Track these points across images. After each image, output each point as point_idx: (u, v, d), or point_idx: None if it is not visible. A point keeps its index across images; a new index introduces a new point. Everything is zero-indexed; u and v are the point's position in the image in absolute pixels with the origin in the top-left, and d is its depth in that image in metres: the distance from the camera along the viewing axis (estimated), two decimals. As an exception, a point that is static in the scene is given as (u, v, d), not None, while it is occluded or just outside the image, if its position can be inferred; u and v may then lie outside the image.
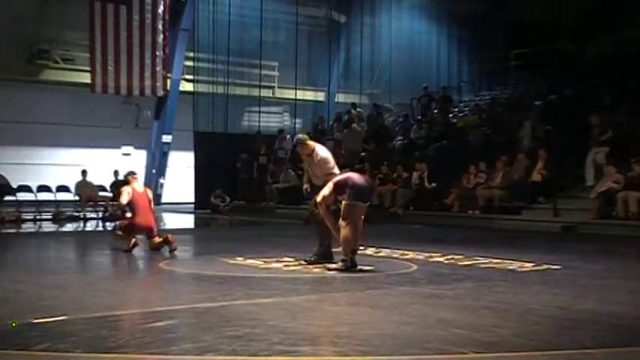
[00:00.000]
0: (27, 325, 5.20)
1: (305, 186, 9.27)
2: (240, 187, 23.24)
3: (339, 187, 8.24)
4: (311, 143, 9.12)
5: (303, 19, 27.71)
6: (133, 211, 10.55)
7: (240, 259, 9.31)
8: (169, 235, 10.50)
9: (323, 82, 29.20)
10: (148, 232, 10.52)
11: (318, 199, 8.33)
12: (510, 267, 8.90)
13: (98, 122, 25.16)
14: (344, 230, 8.14)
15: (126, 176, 10.94)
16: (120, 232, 10.55)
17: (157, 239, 10.43)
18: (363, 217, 8.40)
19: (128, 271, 9.33)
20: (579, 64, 22.14)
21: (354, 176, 8.51)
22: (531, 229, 15.07)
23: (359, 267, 8.30)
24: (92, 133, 25.14)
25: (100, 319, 5.54)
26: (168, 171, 26.51)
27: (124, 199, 10.51)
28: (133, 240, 10.29)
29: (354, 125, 23.04)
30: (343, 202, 8.16)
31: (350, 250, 8.23)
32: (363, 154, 22.28)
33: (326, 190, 8.32)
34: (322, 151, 9.04)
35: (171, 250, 10.20)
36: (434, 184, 18.16)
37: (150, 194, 10.85)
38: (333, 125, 24.91)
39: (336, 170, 8.91)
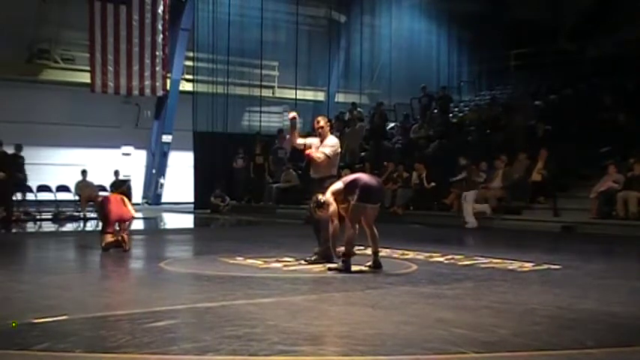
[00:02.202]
0: (27, 325, 5.19)
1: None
2: (238, 187, 23.21)
3: (350, 187, 8.18)
4: (327, 128, 9.05)
5: (303, 19, 27.72)
6: (104, 210, 10.41)
7: (240, 259, 9.31)
8: (125, 236, 10.32)
9: (323, 82, 29.20)
10: (119, 223, 10.39)
11: (327, 194, 8.27)
12: (510, 267, 8.90)
13: (98, 122, 25.16)
14: (348, 231, 8.13)
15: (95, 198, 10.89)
16: (108, 240, 10.25)
17: (112, 238, 10.25)
18: (374, 219, 8.38)
19: (128, 271, 9.32)
20: (579, 64, 22.15)
21: (364, 177, 8.45)
22: (531, 229, 15.08)
23: (359, 267, 8.30)
24: (92, 133, 25.14)
25: (100, 319, 5.54)
26: (168, 171, 26.51)
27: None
28: (122, 237, 10.23)
29: (357, 125, 23.11)
30: (351, 203, 8.14)
31: (351, 251, 8.22)
32: (362, 153, 22.30)
33: (336, 187, 8.28)
34: (333, 140, 9.01)
35: (124, 251, 10.08)
36: (433, 184, 18.14)
37: (121, 196, 10.70)
38: (333, 125, 24.91)
39: (328, 151, 8.84)
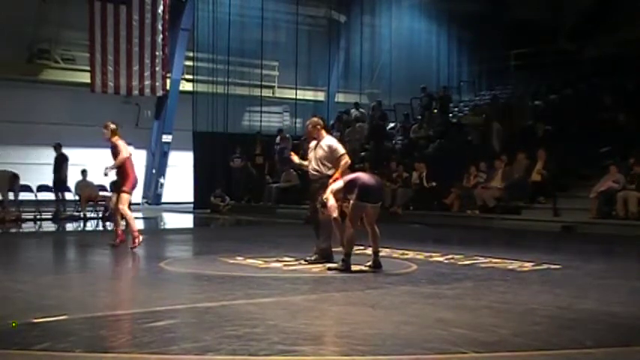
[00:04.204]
0: (27, 325, 5.20)
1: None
2: (237, 187, 23.19)
3: (349, 186, 8.19)
4: (319, 130, 8.98)
5: (303, 19, 27.72)
6: (125, 170, 10.60)
7: (240, 259, 9.32)
8: (124, 236, 10.61)
9: (323, 82, 29.19)
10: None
11: (327, 193, 8.27)
12: (510, 267, 8.91)
13: (98, 122, 24.97)
14: (348, 230, 8.13)
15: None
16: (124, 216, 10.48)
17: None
18: (375, 218, 8.38)
19: (128, 271, 9.33)
20: (579, 64, 22.15)
21: (364, 176, 8.46)
22: (531, 229, 15.07)
23: (359, 267, 8.30)
24: (92, 133, 25.04)
25: (100, 319, 5.54)
26: (168, 171, 26.50)
27: (125, 152, 10.66)
28: (137, 237, 10.36)
29: (357, 124, 23.12)
30: (350, 202, 8.15)
31: (351, 250, 8.23)
32: (363, 153, 22.29)
33: (337, 185, 8.28)
34: (331, 140, 8.98)
35: (113, 246, 10.35)
36: (434, 183, 18.13)
37: None
38: (334, 125, 24.92)
39: (343, 151, 8.80)
